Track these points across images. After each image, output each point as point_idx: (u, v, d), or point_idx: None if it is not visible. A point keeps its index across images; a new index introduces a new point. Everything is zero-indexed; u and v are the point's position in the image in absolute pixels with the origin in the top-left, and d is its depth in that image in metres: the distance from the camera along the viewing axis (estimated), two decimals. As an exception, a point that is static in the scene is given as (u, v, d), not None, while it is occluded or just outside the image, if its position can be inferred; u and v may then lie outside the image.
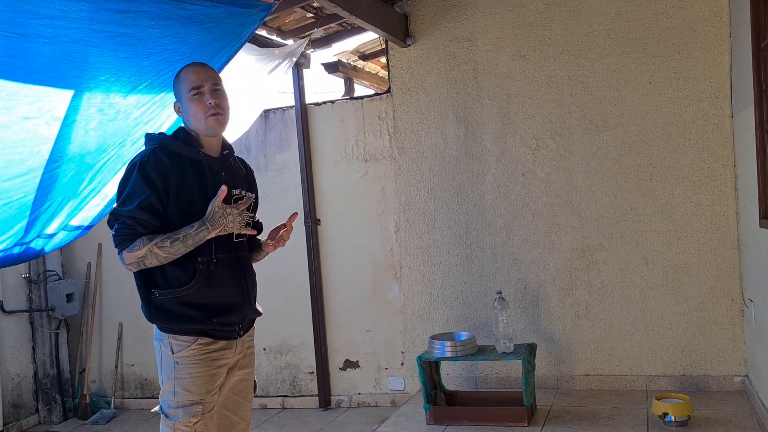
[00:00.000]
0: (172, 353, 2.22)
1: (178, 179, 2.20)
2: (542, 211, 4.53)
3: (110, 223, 2.20)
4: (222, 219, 2.18)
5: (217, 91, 2.29)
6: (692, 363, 4.29)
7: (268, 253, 2.51)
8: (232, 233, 2.28)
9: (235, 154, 2.47)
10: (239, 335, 2.35)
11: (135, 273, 2.24)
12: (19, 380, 5.19)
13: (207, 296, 2.24)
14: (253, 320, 2.48)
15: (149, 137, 2.31)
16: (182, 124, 2.37)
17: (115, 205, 2.23)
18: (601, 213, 4.42)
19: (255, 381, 2.50)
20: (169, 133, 2.37)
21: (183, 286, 2.21)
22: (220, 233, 2.20)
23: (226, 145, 2.41)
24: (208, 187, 2.25)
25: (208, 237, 2.19)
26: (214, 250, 2.26)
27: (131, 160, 2.23)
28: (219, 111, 2.27)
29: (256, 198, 2.52)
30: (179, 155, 2.24)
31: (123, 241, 2.16)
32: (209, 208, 2.19)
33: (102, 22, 2.36)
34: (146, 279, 2.25)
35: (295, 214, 2.45)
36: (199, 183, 2.25)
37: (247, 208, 2.35)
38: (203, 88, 2.26)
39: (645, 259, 4.35)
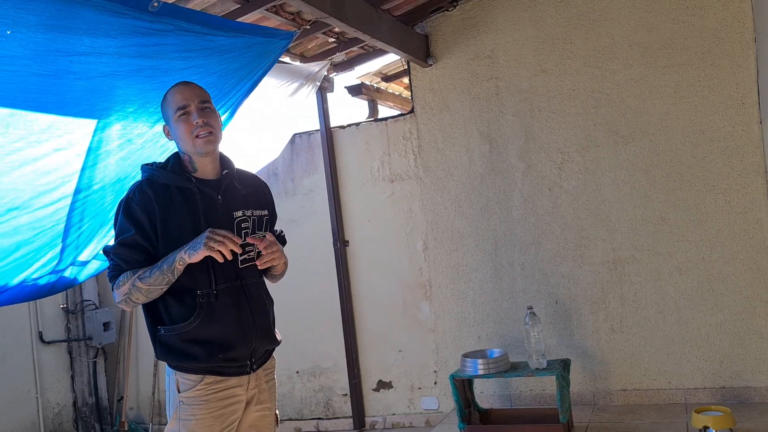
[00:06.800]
0: (178, 392, 2.13)
1: (165, 213, 2.10)
2: (571, 224, 4.50)
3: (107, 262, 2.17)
4: (203, 239, 2.02)
5: (205, 109, 2.17)
6: (732, 374, 4.19)
7: (281, 271, 2.33)
8: (237, 259, 2.16)
9: (237, 170, 2.30)
10: (252, 370, 2.22)
11: (143, 309, 2.17)
12: (59, 409, 5.29)
13: (209, 331, 2.12)
14: (271, 351, 2.34)
15: (142, 168, 2.23)
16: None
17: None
18: (631, 224, 4.37)
19: (277, 414, 2.36)
20: None
21: (184, 322, 2.12)
22: (194, 254, 2.03)
23: (225, 165, 2.27)
24: (201, 216, 2.14)
25: (188, 260, 2.04)
26: (215, 282, 2.14)
27: (121, 197, 2.16)
28: (209, 130, 2.15)
29: (272, 215, 2.39)
30: (168, 186, 2.15)
31: (111, 278, 2.11)
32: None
33: (129, 56, 2.42)
34: (152, 315, 2.18)
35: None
36: (189, 212, 2.14)
37: (257, 229, 2.26)
38: (189, 108, 2.15)
39: (678, 269, 4.28)
